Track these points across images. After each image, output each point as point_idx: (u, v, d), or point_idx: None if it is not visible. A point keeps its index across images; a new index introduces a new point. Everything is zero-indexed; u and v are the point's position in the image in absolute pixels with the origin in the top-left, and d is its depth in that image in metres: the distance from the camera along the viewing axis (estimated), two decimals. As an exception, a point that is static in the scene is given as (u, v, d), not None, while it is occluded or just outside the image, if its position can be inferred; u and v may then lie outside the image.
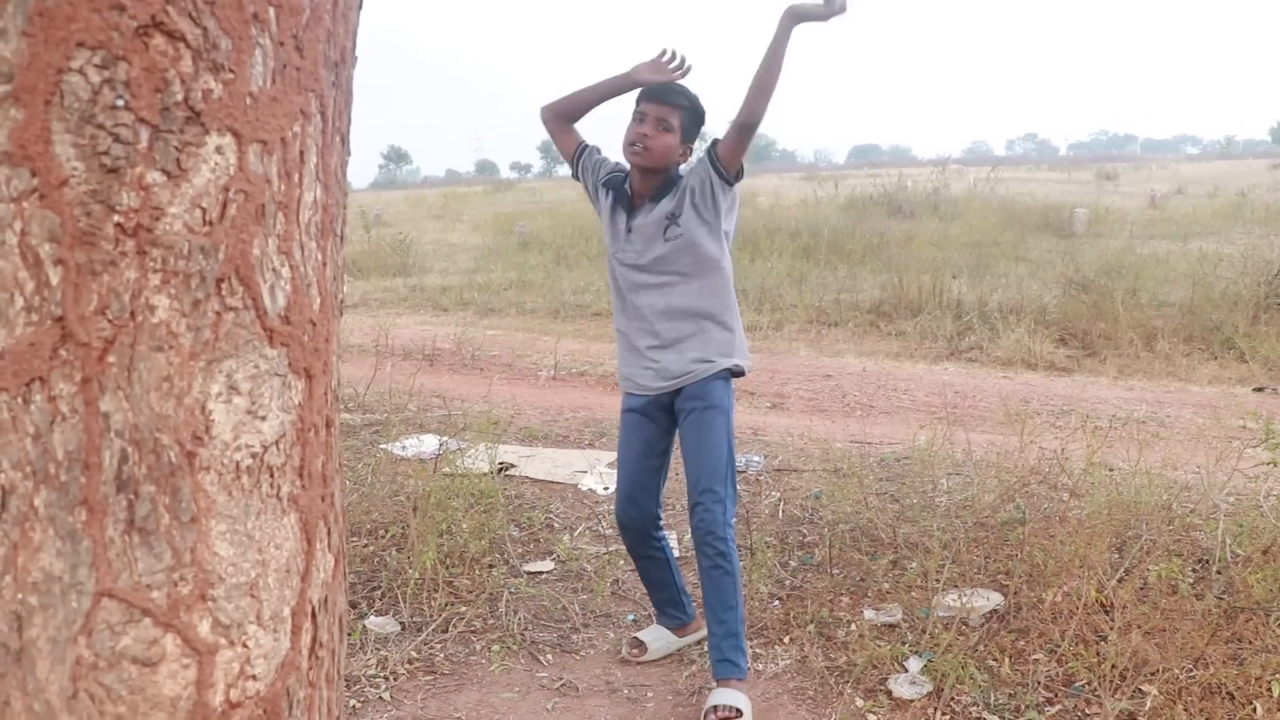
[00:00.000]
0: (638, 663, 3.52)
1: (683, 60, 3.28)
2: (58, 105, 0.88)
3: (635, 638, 3.59)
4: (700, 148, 3.28)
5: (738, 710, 3.08)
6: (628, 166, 3.30)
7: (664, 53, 3.29)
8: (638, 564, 3.58)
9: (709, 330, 3.26)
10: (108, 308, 0.93)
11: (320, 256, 1.10)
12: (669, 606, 3.61)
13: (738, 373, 3.31)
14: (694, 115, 3.21)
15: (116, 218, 0.91)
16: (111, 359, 0.93)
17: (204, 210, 0.96)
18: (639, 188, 3.28)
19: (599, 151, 3.46)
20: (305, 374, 1.07)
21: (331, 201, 1.12)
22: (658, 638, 3.58)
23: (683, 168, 3.29)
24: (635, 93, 3.25)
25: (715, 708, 3.09)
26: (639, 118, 3.17)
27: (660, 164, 3.20)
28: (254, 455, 1.03)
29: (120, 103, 0.90)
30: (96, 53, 0.88)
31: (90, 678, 0.97)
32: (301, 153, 1.05)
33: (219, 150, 0.96)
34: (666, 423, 3.39)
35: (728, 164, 3.14)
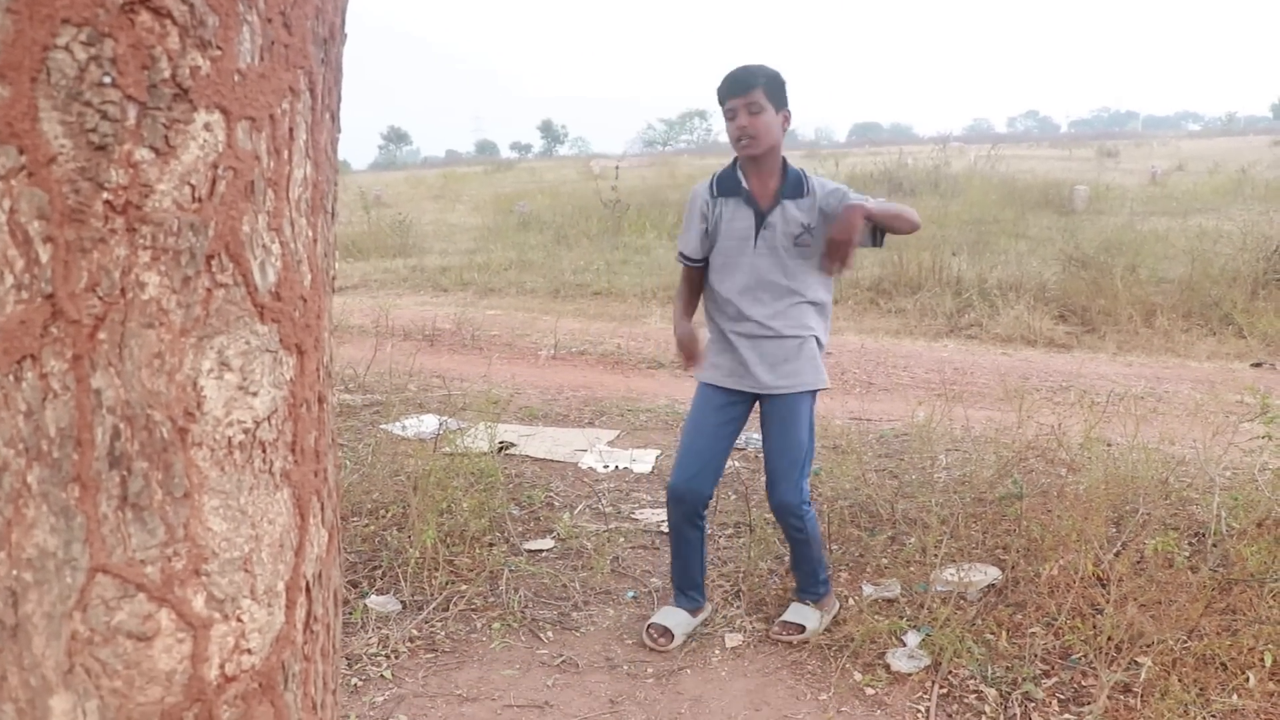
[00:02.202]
0: (665, 650, 3.47)
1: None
2: (44, 82, 0.87)
3: (659, 625, 3.54)
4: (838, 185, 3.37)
5: (800, 626, 3.51)
6: (723, 174, 3.41)
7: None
8: (680, 539, 3.56)
9: (807, 346, 3.40)
10: (98, 285, 0.93)
11: (311, 233, 1.10)
12: (691, 589, 3.60)
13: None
14: (773, 82, 3.24)
15: (105, 195, 0.91)
16: (102, 336, 0.94)
17: (193, 187, 0.96)
18: (760, 188, 3.34)
19: (693, 227, 3.44)
20: (297, 350, 1.08)
21: (322, 178, 1.12)
22: (679, 622, 3.56)
23: (823, 191, 3.33)
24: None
25: (783, 624, 3.53)
26: (730, 115, 3.24)
27: (771, 143, 3.26)
28: (246, 431, 1.03)
29: (107, 80, 0.89)
30: (82, 29, 0.88)
31: (85, 652, 0.98)
32: (291, 129, 1.05)
33: (207, 127, 0.96)
34: (747, 410, 3.52)
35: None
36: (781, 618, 3.55)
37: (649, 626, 3.55)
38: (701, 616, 3.63)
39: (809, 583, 3.58)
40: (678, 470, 3.48)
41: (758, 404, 3.49)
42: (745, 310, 3.36)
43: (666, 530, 3.68)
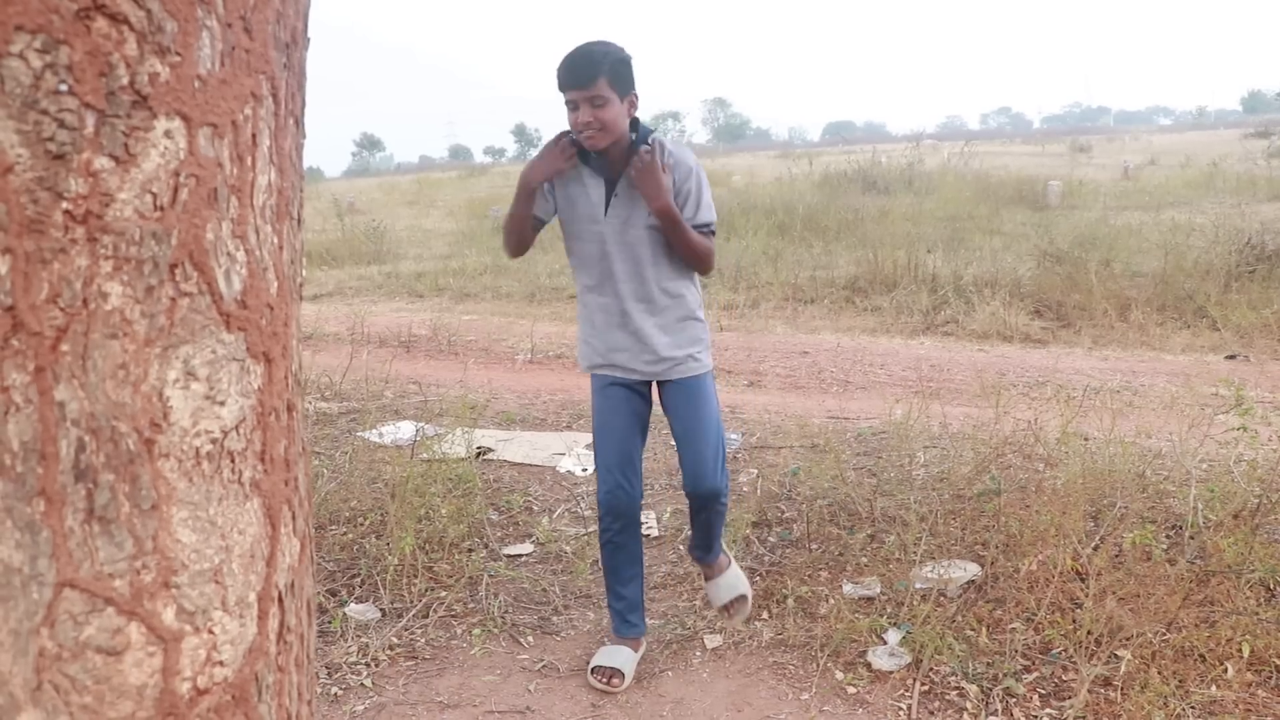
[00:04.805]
0: (617, 691, 3.25)
1: (570, 143, 3.10)
2: (-1, 91, 0.86)
3: (607, 667, 3.28)
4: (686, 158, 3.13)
5: (743, 597, 3.58)
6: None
7: (557, 139, 3.12)
8: (618, 556, 3.34)
9: (690, 323, 3.25)
10: (59, 296, 0.91)
11: (276, 240, 1.09)
12: (632, 613, 3.38)
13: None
14: (618, 67, 2.96)
15: (65, 205, 0.90)
16: (65, 347, 0.92)
17: (155, 195, 0.95)
18: (612, 167, 3.13)
19: (550, 192, 3.21)
20: (264, 358, 1.07)
21: (287, 184, 1.11)
22: (627, 659, 3.32)
23: (670, 151, 3.09)
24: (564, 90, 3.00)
25: (727, 607, 3.59)
26: (571, 107, 2.98)
27: (616, 136, 3.03)
28: (214, 441, 1.02)
29: (64, 88, 0.88)
30: (37, 36, 0.86)
31: (54, 669, 0.96)
32: (254, 135, 1.04)
33: (168, 134, 0.95)
34: (648, 396, 3.34)
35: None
36: (720, 602, 3.59)
37: (594, 670, 3.29)
38: (641, 650, 3.41)
39: (715, 546, 3.50)
40: (602, 480, 3.27)
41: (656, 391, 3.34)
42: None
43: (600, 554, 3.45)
